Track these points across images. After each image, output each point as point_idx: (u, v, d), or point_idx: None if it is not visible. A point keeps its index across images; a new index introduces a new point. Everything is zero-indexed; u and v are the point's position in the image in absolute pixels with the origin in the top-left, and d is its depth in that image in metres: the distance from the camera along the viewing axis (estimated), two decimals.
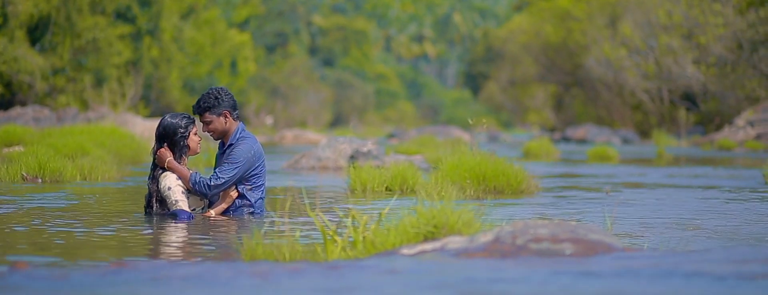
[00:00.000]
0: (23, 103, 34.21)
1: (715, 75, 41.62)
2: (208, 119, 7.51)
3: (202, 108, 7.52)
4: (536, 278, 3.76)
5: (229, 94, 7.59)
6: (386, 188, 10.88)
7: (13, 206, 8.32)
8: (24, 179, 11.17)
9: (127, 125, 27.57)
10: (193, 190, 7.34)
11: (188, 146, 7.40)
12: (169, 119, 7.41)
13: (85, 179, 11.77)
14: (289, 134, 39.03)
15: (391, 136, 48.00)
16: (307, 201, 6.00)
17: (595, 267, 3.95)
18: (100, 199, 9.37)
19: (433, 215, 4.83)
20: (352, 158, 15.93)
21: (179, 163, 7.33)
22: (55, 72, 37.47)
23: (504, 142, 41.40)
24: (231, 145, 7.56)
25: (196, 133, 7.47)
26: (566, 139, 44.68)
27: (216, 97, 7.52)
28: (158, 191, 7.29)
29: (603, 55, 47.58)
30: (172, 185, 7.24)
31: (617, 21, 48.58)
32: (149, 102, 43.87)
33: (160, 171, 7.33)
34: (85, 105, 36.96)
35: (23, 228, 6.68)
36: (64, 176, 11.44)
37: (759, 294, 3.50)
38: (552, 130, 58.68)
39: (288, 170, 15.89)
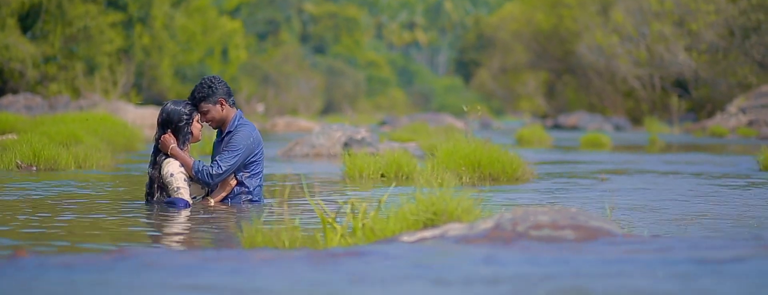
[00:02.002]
0: (15, 91, 34.10)
1: (706, 62, 41.66)
2: (205, 109, 7.50)
3: (198, 98, 7.50)
4: (538, 265, 3.76)
5: (223, 81, 7.57)
6: (381, 175, 10.89)
7: (10, 193, 8.30)
8: (18, 166, 11.14)
9: (119, 113, 27.52)
10: (195, 178, 7.33)
11: (191, 133, 7.39)
12: (172, 106, 7.40)
13: (80, 167, 11.74)
14: (281, 122, 38.98)
15: (382, 123, 47.97)
16: (306, 188, 5.99)
17: (596, 254, 3.96)
18: (97, 186, 9.36)
19: (433, 202, 4.83)
20: (346, 145, 15.94)
21: (182, 150, 7.32)
22: (47, 60, 37.37)
23: (496, 129, 41.44)
24: (229, 132, 7.55)
25: (198, 121, 7.46)
26: (558, 127, 44.69)
27: (209, 86, 7.51)
28: (160, 177, 7.28)
29: (595, 42, 47.56)
30: (174, 171, 7.23)
31: (609, 8, 48.56)
32: (141, 90, 43.78)
33: (163, 157, 7.31)
34: (76, 93, 36.87)
35: (22, 216, 6.67)
36: (59, 163, 11.41)
37: (758, 280, 3.51)
38: (544, 117, 58.69)
39: (282, 158, 15.89)
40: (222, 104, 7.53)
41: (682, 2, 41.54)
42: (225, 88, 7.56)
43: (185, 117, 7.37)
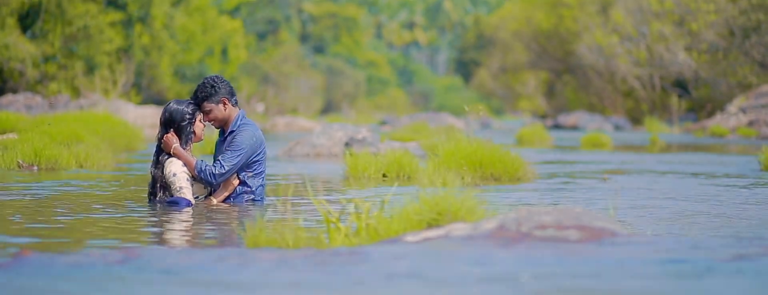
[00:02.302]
0: (14, 91, 34.09)
1: (706, 62, 41.65)
2: (208, 108, 7.50)
3: (200, 98, 7.50)
4: (542, 265, 3.76)
5: (225, 81, 7.58)
6: (383, 175, 10.89)
7: (12, 193, 8.30)
8: (19, 166, 11.13)
9: (119, 112, 27.49)
10: (197, 177, 7.33)
11: (194, 133, 7.39)
12: (175, 106, 7.40)
13: (81, 167, 11.72)
14: (281, 121, 38.96)
15: (383, 123, 47.96)
16: (309, 188, 5.98)
17: (600, 254, 3.96)
18: (99, 186, 9.36)
19: (436, 201, 4.82)
20: (347, 145, 15.94)
21: (184, 149, 7.32)
22: (46, 59, 37.35)
23: (498, 129, 41.43)
24: (232, 132, 7.55)
25: (201, 120, 7.46)
26: (558, 127, 44.68)
27: (212, 86, 7.51)
28: (163, 176, 7.28)
29: (594, 42, 47.55)
30: (177, 171, 7.23)
31: (609, 8, 48.55)
32: (141, 89, 43.76)
33: (166, 157, 7.30)
34: (76, 92, 36.85)
35: (26, 215, 6.67)
36: (60, 163, 11.40)
37: (758, 280, 3.52)
38: (543, 117, 58.68)
39: (283, 157, 15.89)
40: (225, 104, 7.53)
41: (682, 2, 41.53)
42: (228, 88, 7.56)
43: (188, 116, 7.37)
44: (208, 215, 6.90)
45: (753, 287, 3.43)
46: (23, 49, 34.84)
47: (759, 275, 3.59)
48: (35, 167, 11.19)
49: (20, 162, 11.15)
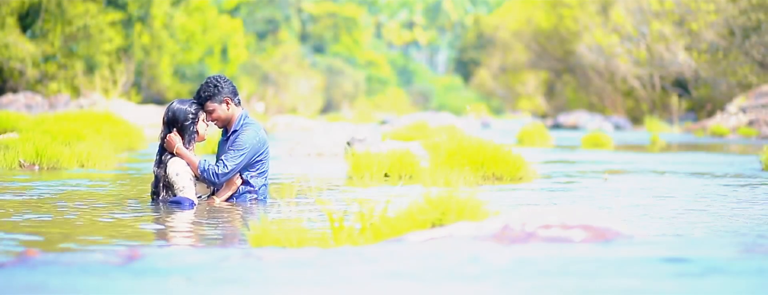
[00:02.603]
0: (14, 90, 34.09)
1: (706, 61, 41.63)
2: (211, 108, 7.50)
3: (203, 98, 7.51)
4: (546, 264, 3.76)
5: (228, 81, 7.58)
6: (385, 175, 10.87)
7: (15, 193, 8.29)
8: (21, 165, 11.13)
9: (119, 112, 27.45)
10: (200, 177, 7.33)
11: (197, 132, 7.39)
12: (178, 105, 7.40)
13: (83, 166, 11.71)
14: (281, 121, 38.95)
15: (383, 122, 47.97)
16: (313, 188, 5.97)
17: (605, 253, 3.96)
18: (101, 186, 9.36)
19: (440, 201, 4.82)
20: (348, 144, 15.95)
21: (187, 149, 7.31)
22: (46, 59, 37.34)
23: (498, 129, 41.40)
24: (235, 132, 7.55)
25: (204, 120, 7.46)
26: (558, 126, 44.67)
27: (215, 85, 7.51)
28: (166, 176, 7.27)
29: (594, 42, 47.53)
30: (180, 171, 7.22)
31: (609, 7, 48.52)
32: (140, 89, 43.75)
33: (168, 156, 7.30)
34: (76, 92, 36.85)
35: (29, 215, 6.67)
36: (61, 162, 11.39)
37: (758, 280, 3.52)
38: (543, 116, 58.67)
39: (284, 157, 15.88)
40: (227, 103, 7.53)
41: (682, 2, 41.52)
42: (230, 88, 7.57)
43: (191, 116, 7.37)
44: (211, 214, 6.90)
45: (753, 287, 3.43)
46: (23, 48, 34.83)
47: (760, 274, 3.59)
48: (36, 167, 11.18)
49: (21, 161, 11.15)
